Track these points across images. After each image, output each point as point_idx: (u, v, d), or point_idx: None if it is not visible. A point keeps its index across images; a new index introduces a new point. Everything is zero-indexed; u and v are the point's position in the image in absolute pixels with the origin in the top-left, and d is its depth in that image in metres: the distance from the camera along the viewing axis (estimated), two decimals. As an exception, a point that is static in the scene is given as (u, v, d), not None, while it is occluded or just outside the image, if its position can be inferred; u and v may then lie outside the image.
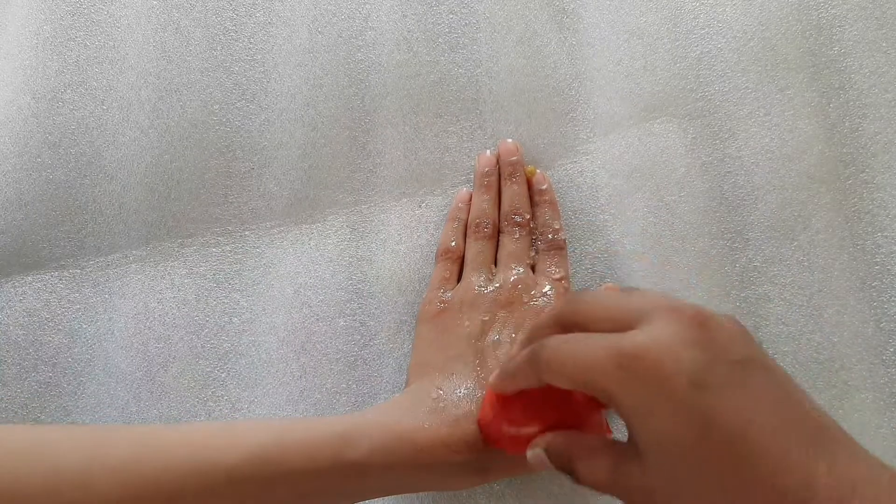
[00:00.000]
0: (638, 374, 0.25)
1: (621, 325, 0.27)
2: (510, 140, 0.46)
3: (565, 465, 0.29)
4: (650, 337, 0.26)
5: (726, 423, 0.24)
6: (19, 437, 0.30)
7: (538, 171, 0.45)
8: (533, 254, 0.43)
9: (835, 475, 0.23)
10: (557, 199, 0.45)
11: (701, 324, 0.26)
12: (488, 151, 0.46)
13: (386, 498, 0.39)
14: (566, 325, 0.30)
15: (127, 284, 0.44)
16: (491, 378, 0.33)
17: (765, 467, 0.24)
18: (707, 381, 0.25)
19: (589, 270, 0.44)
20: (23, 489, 0.27)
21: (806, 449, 0.24)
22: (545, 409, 0.32)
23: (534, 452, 0.30)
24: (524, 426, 0.32)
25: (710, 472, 0.25)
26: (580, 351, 0.27)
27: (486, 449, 0.34)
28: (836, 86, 0.47)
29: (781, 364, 0.27)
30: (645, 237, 0.44)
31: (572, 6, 0.49)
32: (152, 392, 0.42)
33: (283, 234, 0.45)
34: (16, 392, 0.42)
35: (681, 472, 0.25)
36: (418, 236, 0.45)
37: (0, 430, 0.30)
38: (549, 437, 0.30)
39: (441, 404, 0.35)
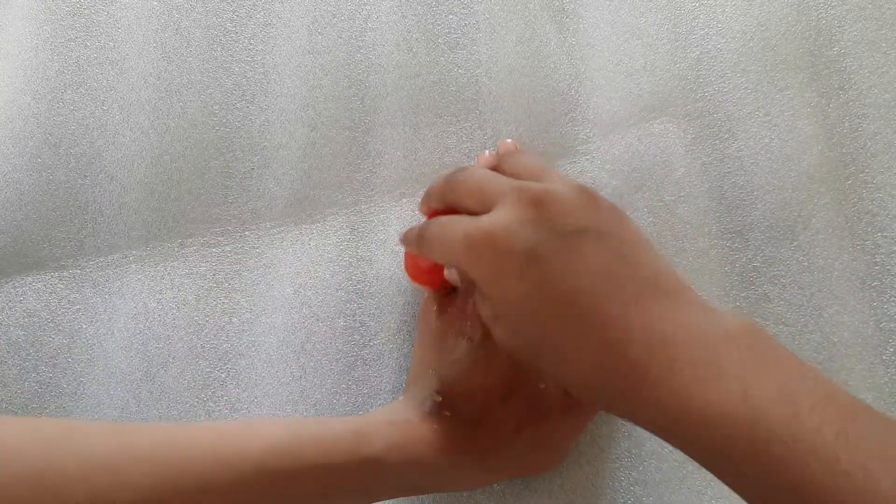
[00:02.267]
0: (482, 252, 0.29)
1: (484, 205, 0.31)
2: (510, 140, 0.46)
3: (469, 286, 0.34)
4: (493, 219, 0.29)
5: (557, 288, 0.27)
6: (51, 426, 0.30)
7: (538, 171, 0.45)
8: None
9: (648, 325, 0.26)
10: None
11: (538, 202, 0.29)
12: (488, 151, 0.46)
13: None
14: (447, 200, 0.35)
15: (127, 285, 0.44)
16: (399, 236, 0.38)
17: (590, 325, 0.27)
18: (539, 253, 0.28)
19: (589, 270, 0.44)
20: (56, 475, 0.27)
21: (628, 305, 0.27)
22: None
23: (450, 271, 0.36)
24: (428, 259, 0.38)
25: (549, 332, 0.28)
26: (444, 234, 0.32)
27: (492, 449, 0.34)
28: (836, 86, 0.47)
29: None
30: (645, 237, 0.44)
31: (572, 6, 0.49)
32: (152, 392, 0.42)
33: (283, 234, 0.45)
34: (16, 392, 0.42)
35: (527, 333, 0.29)
36: (418, 236, 0.45)
37: (32, 421, 0.30)
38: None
39: (446, 408, 0.35)
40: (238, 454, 0.30)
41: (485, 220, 0.30)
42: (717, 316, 0.27)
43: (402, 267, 0.42)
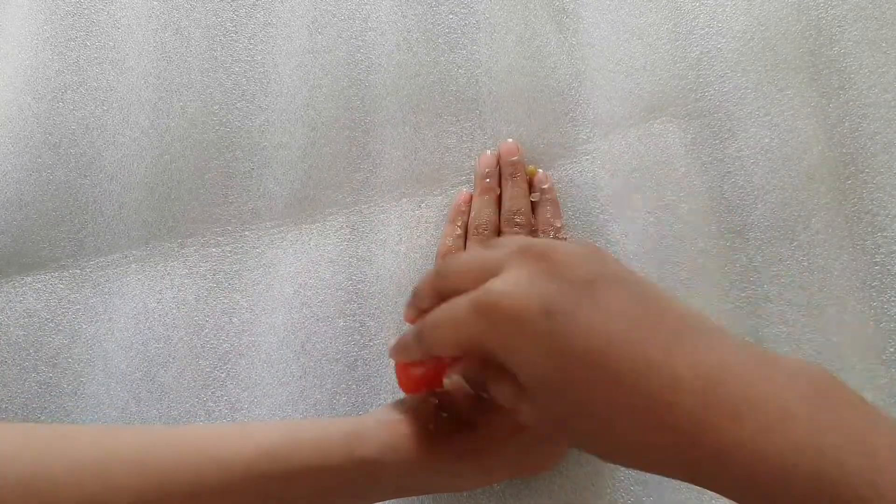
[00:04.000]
0: (497, 319, 0.26)
1: (486, 278, 0.28)
2: (510, 140, 0.46)
3: (479, 386, 0.30)
4: (503, 281, 0.27)
5: (583, 343, 0.25)
6: (42, 431, 0.30)
7: (539, 170, 0.45)
8: None
9: (697, 367, 0.23)
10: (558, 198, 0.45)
11: (544, 256, 0.27)
12: (489, 151, 0.46)
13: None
14: (441, 292, 0.31)
15: (127, 285, 0.44)
16: (389, 350, 0.35)
17: (629, 376, 0.24)
18: (557, 306, 0.25)
19: (589, 270, 0.44)
20: (45, 482, 0.27)
21: (666, 348, 0.24)
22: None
23: (450, 379, 0.32)
24: (422, 366, 0.36)
25: (582, 394, 0.25)
26: (449, 316, 0.29)
27: (489, 450, 0.34)
28: (836, 86, 0.47)
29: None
30: (645, 237, 0.44)
31: (572, 6, 0.49)
32: (152, 392, 0.42)
33: (283, 234, 0.45)
34: (16, 392, 0.42)
35: (558, 400, 0.26)
36: (418, 236, 0.45)
37: (23, 426, 0.30)
38: (464, 364, 0.31)
39: (443, 409, 0.35)
40: (230, 457, 0.30)
41: (494, 284, 0.27)
42: (770, 354, 0.25)
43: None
